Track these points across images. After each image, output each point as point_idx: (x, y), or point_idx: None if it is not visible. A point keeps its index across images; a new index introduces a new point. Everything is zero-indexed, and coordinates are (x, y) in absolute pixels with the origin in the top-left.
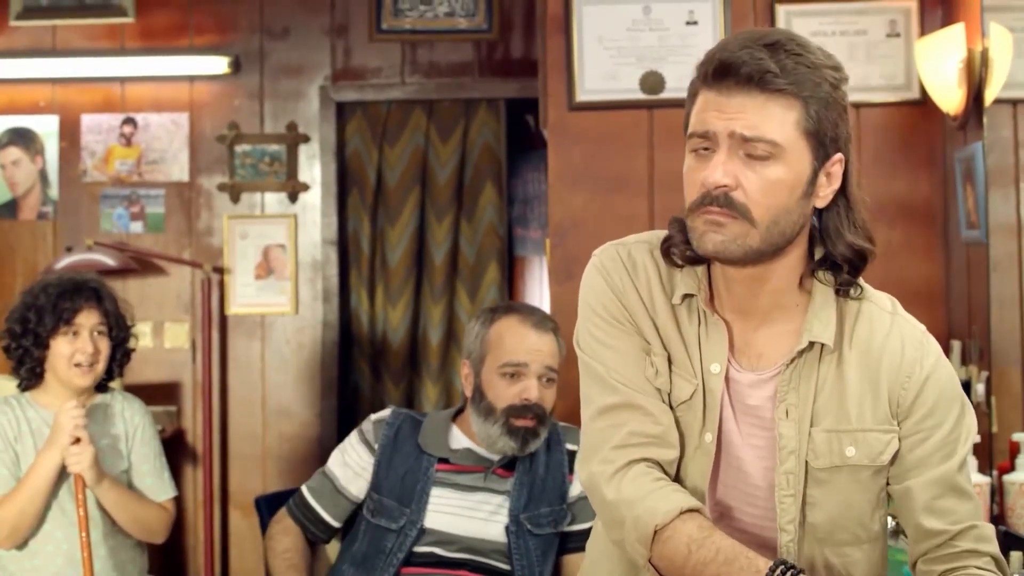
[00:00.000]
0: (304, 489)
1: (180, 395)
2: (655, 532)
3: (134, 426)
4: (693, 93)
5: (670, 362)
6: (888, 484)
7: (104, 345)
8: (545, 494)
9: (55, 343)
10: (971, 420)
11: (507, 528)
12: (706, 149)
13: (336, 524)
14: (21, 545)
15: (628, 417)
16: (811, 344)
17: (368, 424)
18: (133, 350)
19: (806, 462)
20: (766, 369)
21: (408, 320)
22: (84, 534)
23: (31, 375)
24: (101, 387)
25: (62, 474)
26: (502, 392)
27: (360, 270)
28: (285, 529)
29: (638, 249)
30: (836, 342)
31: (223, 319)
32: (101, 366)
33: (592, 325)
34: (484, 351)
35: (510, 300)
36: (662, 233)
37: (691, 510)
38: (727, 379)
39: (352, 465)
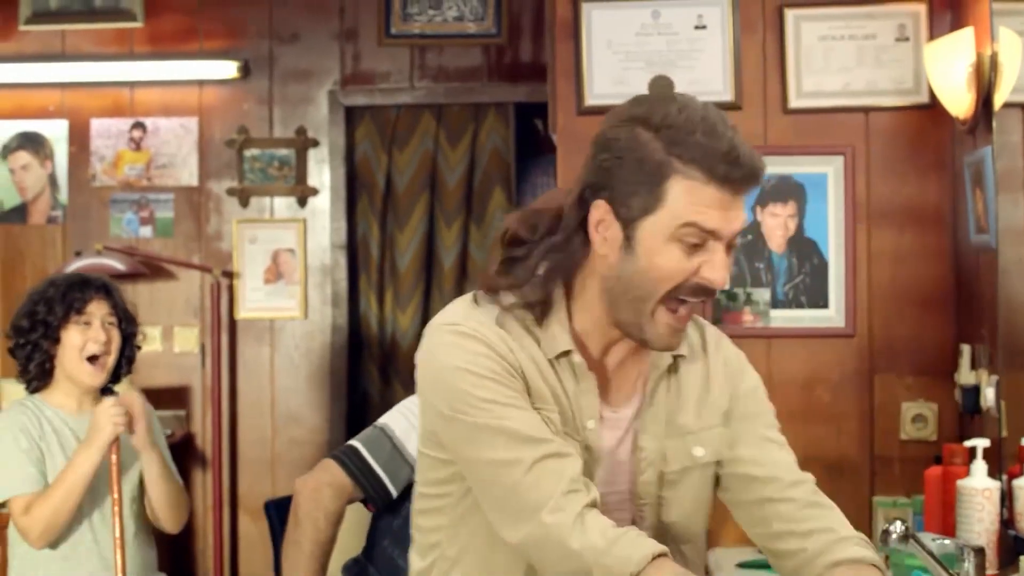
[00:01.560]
0: (358, 445)
1: (189, 399)
2: None
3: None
4: (667, 174)
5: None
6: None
7: (115, 336)
8: None
9: (66, 334)
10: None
11: None
12: (697, 245)
13: (394, 494)
14: (54, 545)
15: (562, 465)
16: (674, 359)
17: None
18: (139, 348)
19: (660, 470)
20: (629, 398)
21: (417, 325)
22: (119, 534)
23: (40, 372)
24: (105, 391)
25: (96, 475)
26: None
27: (369, 274)
28: (339, 489)
29: (494, 312)
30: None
31: (232, 323)
32: (112, 359)
33: (479, 389)
34: None
35: None
36: (470, 297)
37: (661, 555)
38: (604, 427)
39: (417, 430)
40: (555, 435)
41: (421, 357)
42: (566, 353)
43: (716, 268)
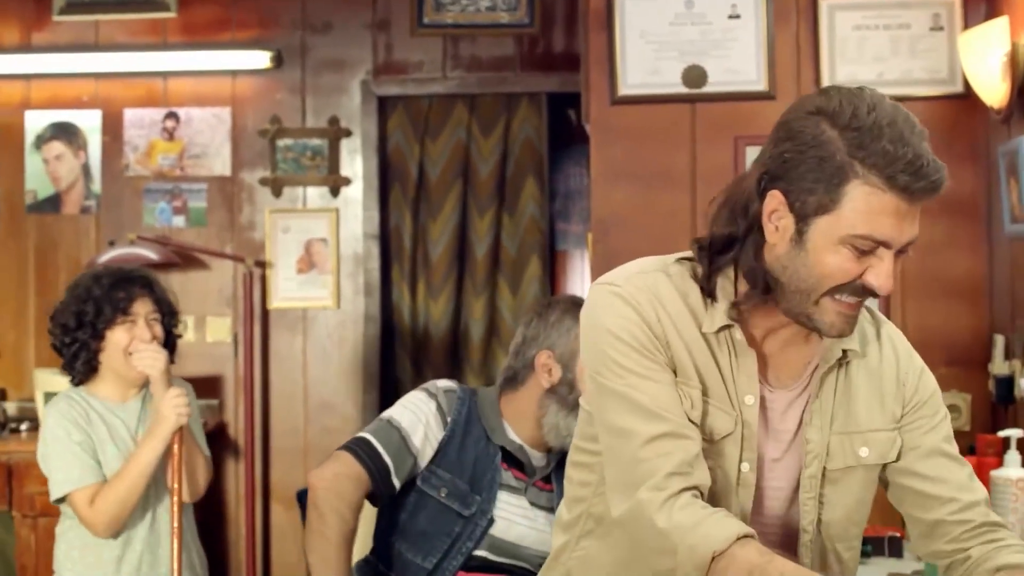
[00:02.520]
0: (370, 437)
1: (222, 389)
2: (712, 559)
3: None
4: (847, 177)
5: (705, 394)
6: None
7: (159, 331)
8: None
9: (112, 334)
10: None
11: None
12: (868, 251)
13: (397, 485)
14: (115, 536)
15: (676, 446)
16: (844, 353)
17: (438, 390)
18: (180, 336)
19: (823, 465)
20: (793, 383)
21: (450, 314)
22: (177, 524)
23: (87, 368)
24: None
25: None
26: None
27: (402, 264)
28: (357, 480)
29: (657, 279)
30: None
31: (265, 313)
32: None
33: (620, 355)
34: (578, 347)
35: (555, 295)
36: (668, 260)
37: (747, 536)
38: (763, 406)
39: (424, 424)
40: (690, 413)
41: (583, 311)
42: (726, 327)
43: (882, 276)
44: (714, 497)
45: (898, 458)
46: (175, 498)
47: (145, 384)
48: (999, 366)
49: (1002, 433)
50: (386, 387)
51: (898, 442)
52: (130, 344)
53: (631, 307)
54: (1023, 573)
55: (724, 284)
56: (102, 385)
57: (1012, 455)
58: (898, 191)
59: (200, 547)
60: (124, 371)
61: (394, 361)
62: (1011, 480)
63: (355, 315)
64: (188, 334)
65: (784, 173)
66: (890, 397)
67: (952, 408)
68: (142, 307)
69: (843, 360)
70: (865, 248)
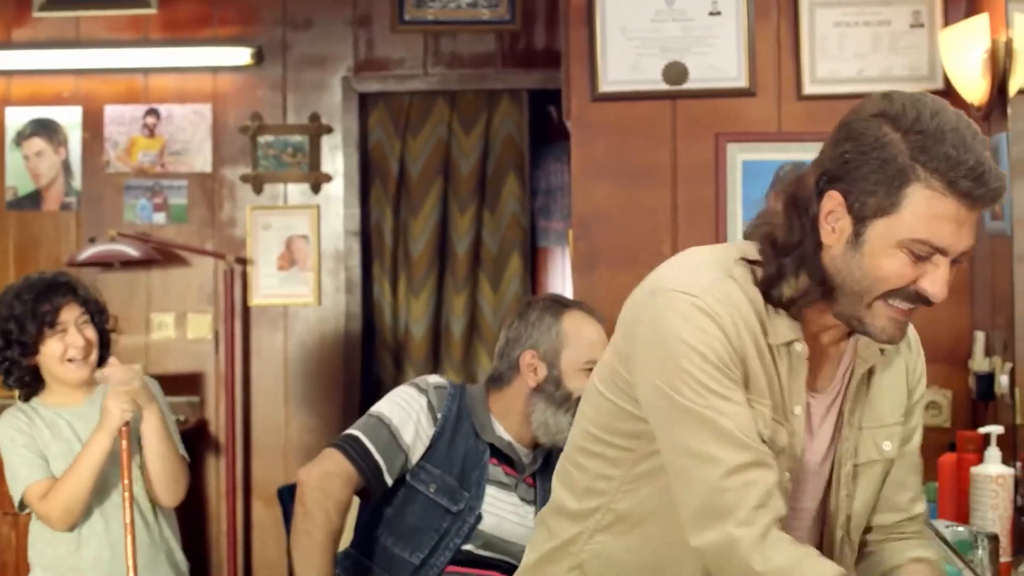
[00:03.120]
0: (359, 434)
1: (203, 386)
2: None
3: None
4: (908, 180)
5: (772, 415)
6: None
7: (91, 334)
8: None
9: (45, 346)
10: None
11: None
12: (924, 257)
13: (389, 482)
14: (70, 530)
15: (760, 476)
16: (882, 353)
17: (428, 386)
18: (113, 330)
19: (853, 462)
20: (830, 386)
21: (431, 311)
22: (129, 520)
23: (21, 383)
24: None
25: (109, 463)
26: (580, 383)
27: (383, 261)
28: (347, 478)
29: (730, 288)
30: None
31: (246, 310)
32: (94, 354)
33: (702, 373)
34: (561, 344)
35: (534, 292)
36: (728, 261)
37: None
38: (807, 413)
39: (415, 421)
40: (762, 432)
41: (647, 315)
42: (790, 342)
43: (937, 283)
44: None
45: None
46: (126, 493)
47: (94, 385)
48: (979, 363)
49: (982, 430)
50: (367, 384)
51: (902, 433)
52: (65, 352)
53: (714, 322)
54: (926, 566)
55: (787, 289)
56: (49, 395)
57: (992, 451)
58: (959, 196)
59: (181, 552)
60: (64, 378)
61: (375, 358)
62: (991, 476)
63: (336, 312)
64: (169, 331)
65: (844, 174)
66: (904, 390)
67: (933, 405)
68: (69, 314)
69: (882, 361)
70: (922, 254)
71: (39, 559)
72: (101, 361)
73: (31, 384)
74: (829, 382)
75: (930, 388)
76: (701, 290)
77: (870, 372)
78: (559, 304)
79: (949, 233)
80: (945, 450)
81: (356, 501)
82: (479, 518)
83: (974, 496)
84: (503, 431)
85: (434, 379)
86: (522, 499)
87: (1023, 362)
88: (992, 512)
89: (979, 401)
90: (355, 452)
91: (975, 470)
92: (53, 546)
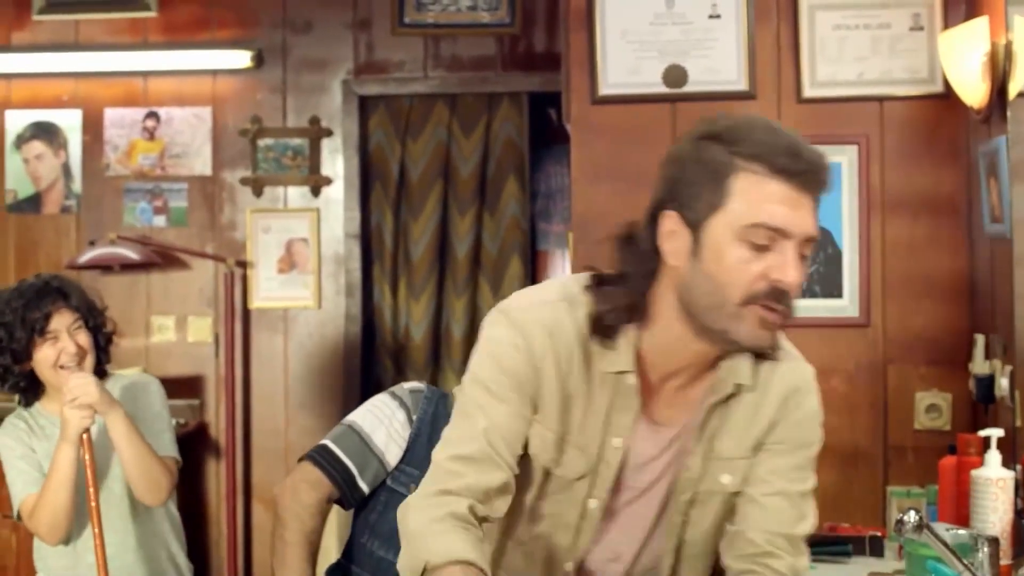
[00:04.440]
0: (328, 443)
1: (203, 389)
2: (424, 570)
3: (132, 394)
4: (729, 170)
5: (564, 437)
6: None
7: (85, 339)
8: None
9: (38, 354)
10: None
11: None
12: (765, 246)
13: (365, 488)
14: (65, 542)
15: (471, 470)
16: (737, 387)
17: (403, 391)
18: (113, 332)
19: (694, 490)
20: (683, 419)
21: (431, 314)
22: (98, 529)
23: (17, 389)
24: (102, 375)
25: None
26: None
27: (383, 264)
28: (315, 484)
29: (559, 311)
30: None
31: (246, 313)
32: (89, 360)
33: (489, 378)
34: None
35: None
36: (575, 287)
37: (466, 563)
38: (643, 441)
39: (387, 425)
40: (538, 453)
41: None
42: (621, 372)
43: (787, 268)
44: (558, 528)
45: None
46: (92, 503)
47: None
48: (979, 365)
49: (982, 432)
50: (367, 387)
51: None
52: (58, 358)
53: (522, 338)
54: None
55: (626, 327)
56: (49, 401)
57: (992, 454)
58: (781, 175)
59: (183, 555)
60: (58, 384)
61: (375, 361)
62: (991, 479)
63: (336, 315)
64: (169, 334)
65: (672, 193)
66: (757, 429)
67: (933, 408)
68: (60, 321)
69: (733, 394)
70: (762, 242)
71: (43, 565)
72: (100, 366)
73: (28, 389)
74: (684, 416)
75: (930, 391)
76: (521, 308)
77: (727, 404)
78: None
79: (782, 214)
80: (945, 453)
81: (348, 518)
82: None
83: (974, 499)
84: None
85: (410, 384)
86: None
87: (1023, 360)
88: (992, 515)
89: (979, 404)
90: (324, 459)
91: (975, 473)
92: (55, 555)
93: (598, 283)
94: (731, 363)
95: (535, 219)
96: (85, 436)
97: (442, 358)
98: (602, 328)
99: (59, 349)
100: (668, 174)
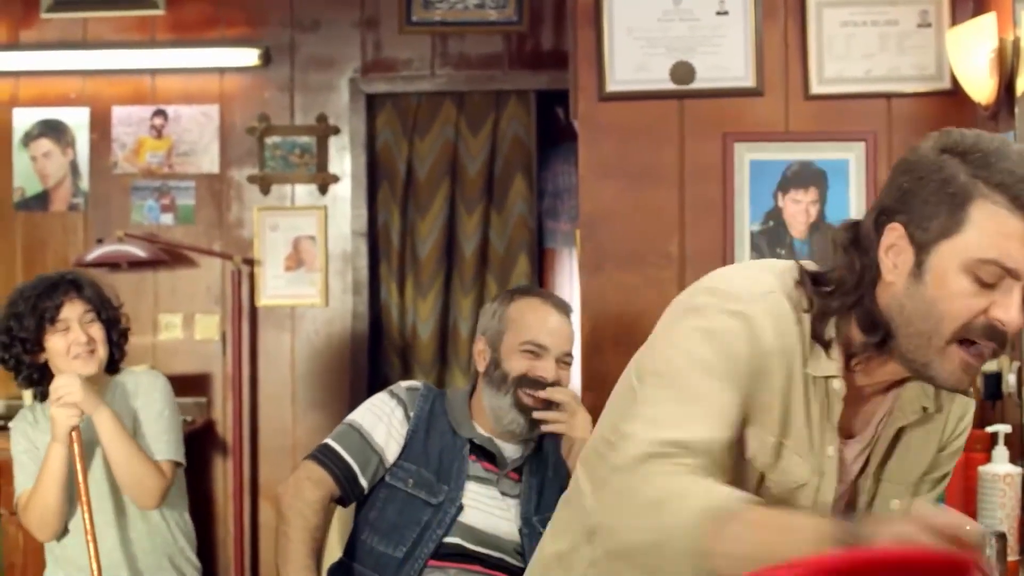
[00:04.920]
0: (330, 442)
1: (210, 387)
2: (716, 518)
3: (136, 392)
4: (971, 196)
5: (781, 443)
6: None
7: (97, 331)
8: (555, 494)
9: (49, 343)
10: None
11: (520, 530)
12: (991, 284)
13: (365, 484)
14: (61, 536)
15: (688, 457)
16: (925, 411)
17: (400, 389)
18: (128, 328)
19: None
20: (862, 433)
21: (438, 312)
22: (89, 525)
23: (30, 382)
24: (115, 371)
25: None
26: (517, 364)
27: (390, 262)
28: (318, 481)
29: (781, 304)
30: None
31: (253, 311)
32: (101, 350)
33: (713, 360)
34: (503, 327)
35: None
36: (786, 277)
37: (742, 500)
38: (841, 458)
39: (386, 423)
40: (755, 457)
41: (687, 309)
42: (829, 377)
43: (1011, 308)
44: None
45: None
46: (83, 499)
47: (104, 385)
48: (987, 363)
49: (990, 428)
50: (374, 385)
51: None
52: (68, 350)
53: (751, 327)
54: None
55: (835, 331)
56: None
57: (1000, 450)
58: None
59: (192, 553)
60: (71, 373)
61: (382, 359)
62: (999, 476)
63: (343, 313)
64: (176, 332)
65: (902, 204)
66: (933, 449)
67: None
68: (72, 311)
69: (922, 419)
70: (989, 279)
71: (52, 555)
72: (113, 359)
73: (40, 383)
74: (862, 429)
75: None
76: (750, 298)
77: (911, 431)
78: (515, 292)
79: (1019, 253)
80: None
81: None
82: (460, 509)
83: (982, 495)
84: (480, 427)
85: (407, 383)
86: (504, 493)
87: None
88: (1000, 511)
89: (987, 401)
90: (326, 457)
91: (983, 469)
92: (62, 545)
93: (812, 280)
94: (919, 383)
95: (542, 217)
96: (74, 434)
97: (449, 356)
98: (823, 330)
99: (70, 340)
100: (901, 183)
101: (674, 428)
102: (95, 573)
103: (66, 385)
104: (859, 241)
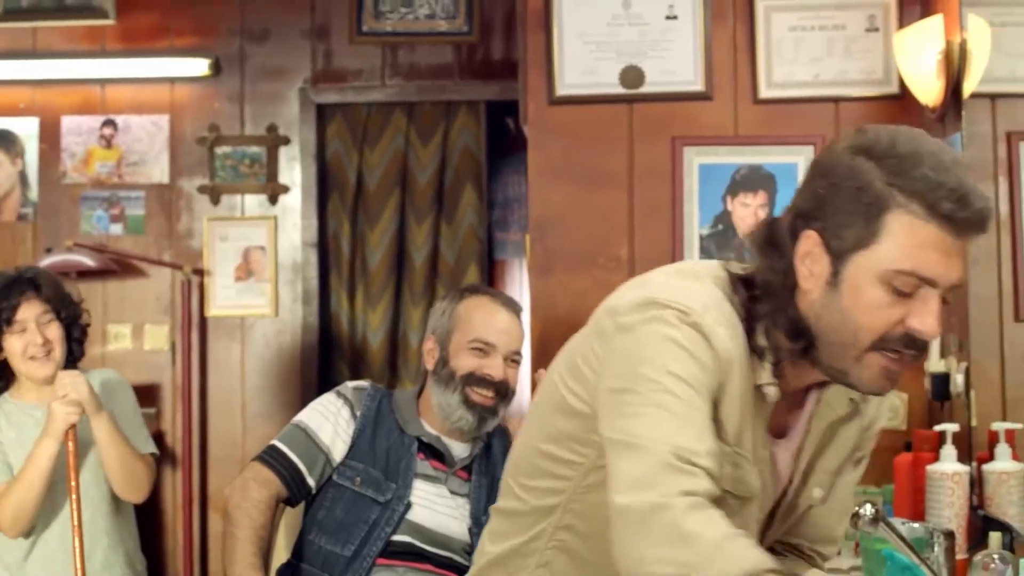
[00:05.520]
0: (277, 443)
1: (159, 397)
2: None
3: (108, 391)
4: (886, 206)
5: (736, 453)
6: None
7: (54, 332)
8: None
9: (6, 343)
10: None
11: (470, 529)
12: (908, 293)
13: (312, 484)
14: (26, 536)
15: (703, 481)
16: (852, 403)
17: (347, 389)
18: (88, 325)
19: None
20: (790, 433)
21: (388, 322)
22: (77, 522)
23: None
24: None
25: (61, 467)
26: (465, 362)
27: (340, 272)
28: (264, 481)
29: (731, 314)
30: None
31: (203, 321)
32: (58, 352)
33: (686, 372)
34: (452, 325)
35: None
36: (724, 283)
37: (775, 571)
38: (774, 461)
39: (332, 422)
40: (719, 470)
41: (633, 323)
42: (767, 384)
43: (927, 317)
44: None
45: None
46: (73, 496)
47: None
48: (935, 364)
49: (938, 428)
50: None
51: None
52: (25, 351)
53: (710, 339)
54: None
55: (765, 338)
56: (22, 389)
57: (948, 449)
58: (942, 221)
59: (139, 551)
60: (28, 375)
61: (332, 369)
62: (947, 474)
63: (293, 323)
64: (126, 342)
65: (818, 211)
66: (852, 442)
67: (889, 408)
68: (28, 311)
69: (850, 415)
70: (906, 289)
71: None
72: (72, 358)
73: (4, 377)
74: (789, 430)
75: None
76: (702, 308)
77: (837, 427)
78: (465, 290)
79: (935, 262)
80: (901, 451)
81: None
82: (408, 507)
83: (930, 494)
84: (428, 426)
85: (354, 383)
86: (453, 492)
87: (978, 361)
88: (948, 510)
89: (935, 402)
90: (272, 458)
91: (931, 468)
92: (8, 547)
93: (742, 283)
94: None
95: (492, 228)
96: (71, 432)
97: (399, 366)
98: (756, 338)
99: (26, 341)
100: (816, 188)
101: (682, 439)
102: (79, 569)
103: (73, 383)
104: (776, 242)
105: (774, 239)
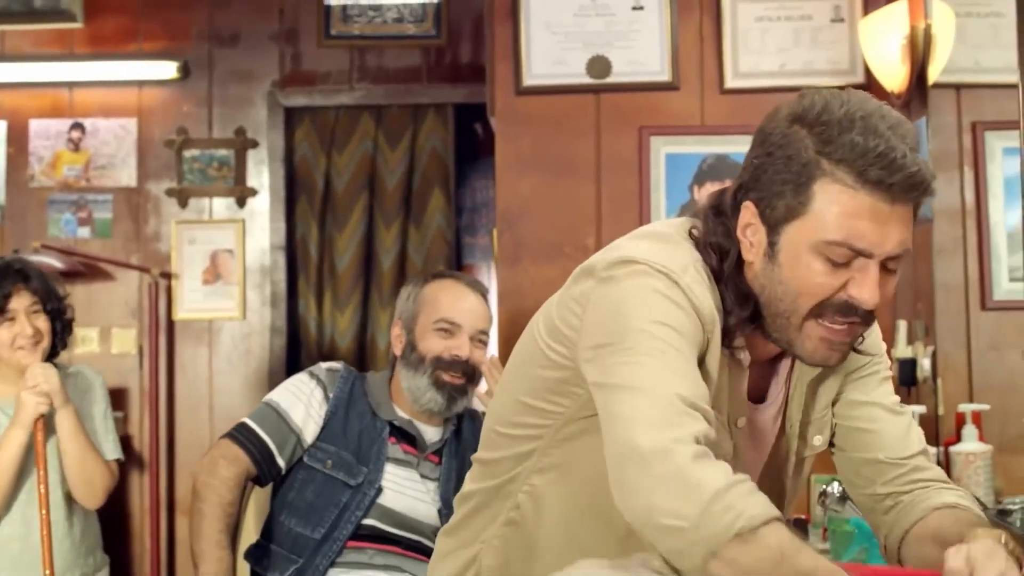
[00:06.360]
0: (248, 421)
1: (127, 401)
2: (739, 533)
3: (83, 387)
4: (814, 175)
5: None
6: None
7: (42, 323)
8: None
9: None
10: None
11: (439, 511)
12: (846, 263)
13: (282, 464)
14: None
15: (704, 425)
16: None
17: (320, 370)
18: (72, 320)
19: (798, 458)
20: (772, 395)
21: (356, 326)
22: (45, 512)
23: None
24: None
25: (27, 459)
26: (433, 345)
27: (308, 276)
28: (233, 459)
29: (704, 275)
30: None
31: (170, 324)
32: (45, 342)
33: (675, 323)
34: (418, 309)
35: None
36: (689, 248)
37: (778, 519)
38: (751, 426)
39: (304, 403)
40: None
41: (612, 282)
42: (739, 347)
43: (865, 286)
44: None
45: (833, 435)
46: (41, 487)
47: None
48: (902, 350)
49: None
50: None
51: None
52: (14, 341)
53: (689, 301)
54: (960, 512)
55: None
56: (2, 382)
57: None
58: (872, 188)
59: (101, 549)
60: (13, 364)
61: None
62: None
63: (261, 326)
64: (93, 345)
65: (754, 181)
66: (838, 383)
67: None
68: (19, 302)
69: (825, 373)
70: (841, 260)
71: None
72: (54, 351)
73: None
74: (774, 391)
75: None
76: (681, 268)
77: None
78: (431, 275)
79: (869, 231)
80: None
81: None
82: (379, 491)
83: None
84: (400, 410)
85: (327, 364)
86: (424, 476)
87: (944, 347)
88: None
89: (902, 387)
90: (242, 436)
91: None
92: None
93: (708, 248)
94: None
95: (460, 233)
96: (40, 422)
97: (367, 369)
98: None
99: (15, 331)
100: (754, 156)
101: (682, 384)
102: (46, 560)
103: (43, 374)
104: (722, 213)
105: (720, 210)
